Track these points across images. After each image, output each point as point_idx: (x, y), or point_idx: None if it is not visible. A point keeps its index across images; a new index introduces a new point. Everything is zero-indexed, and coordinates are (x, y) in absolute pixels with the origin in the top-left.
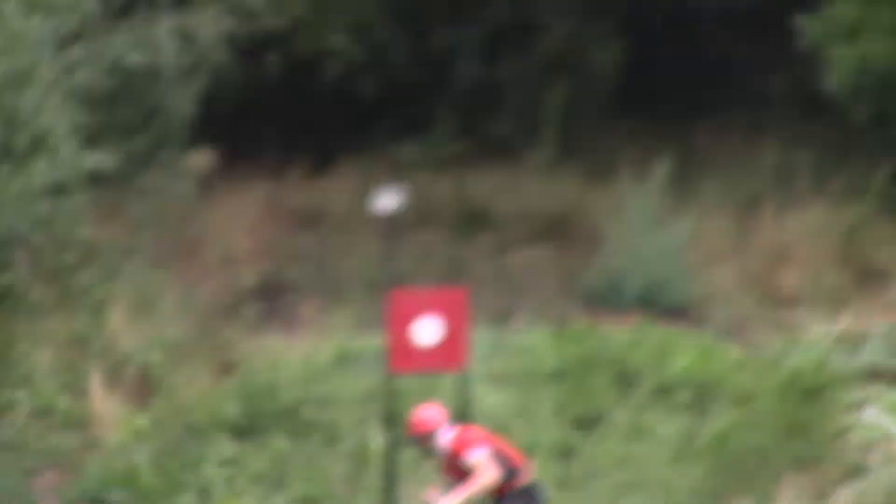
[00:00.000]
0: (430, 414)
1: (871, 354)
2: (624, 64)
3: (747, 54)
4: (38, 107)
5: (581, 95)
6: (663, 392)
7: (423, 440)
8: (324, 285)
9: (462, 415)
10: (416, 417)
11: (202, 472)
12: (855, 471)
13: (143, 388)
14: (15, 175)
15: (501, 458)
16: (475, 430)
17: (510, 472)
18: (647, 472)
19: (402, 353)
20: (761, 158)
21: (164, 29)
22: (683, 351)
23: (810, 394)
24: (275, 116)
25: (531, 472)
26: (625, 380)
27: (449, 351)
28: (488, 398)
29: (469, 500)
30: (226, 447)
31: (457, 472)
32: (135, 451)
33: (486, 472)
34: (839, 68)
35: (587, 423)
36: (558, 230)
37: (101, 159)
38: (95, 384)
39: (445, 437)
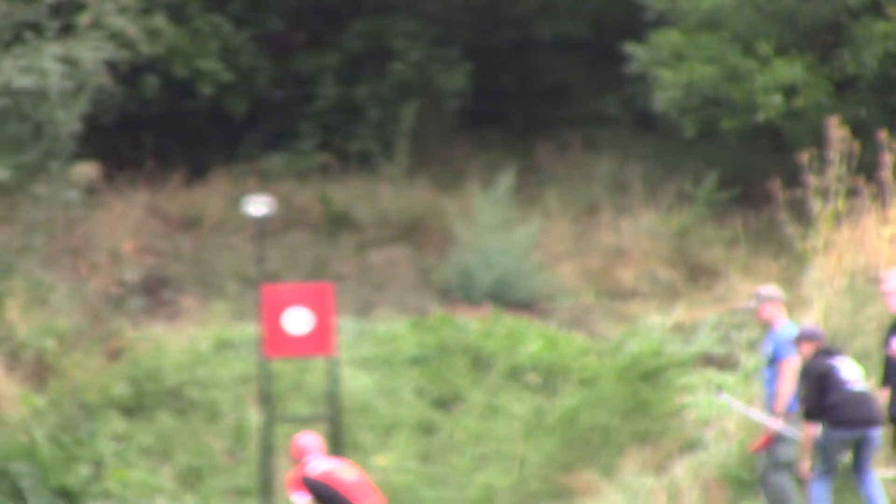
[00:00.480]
0: (305, 442)
1: (701, 342)
2: (470, 86)
3: (583, 77)
4: None
5: (431, 114)
6: (515, 375)
7: (295, 461)
8: (202, 281)
9: (331, 396)
10: (295, 442)
11: (95, 446)
12: (691, 445)
13: (40, 372)
14: None
15: (332, 498)
16: (332, 469)
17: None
18: (502, 447)
19: (275, 341)
20: (597, 170)
21: (49, 55)
22: (532, 338)
23: (648, 376)
24: (153, 131)
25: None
26: (479, 364)
27: (318, 338)
28: (354, 380)
29: None
30: (116, 424)
31: None
32: (33, 428)
33: None
34: (666, 90)
35: (446, 402)
36: (413, 232)
37: None
38: None
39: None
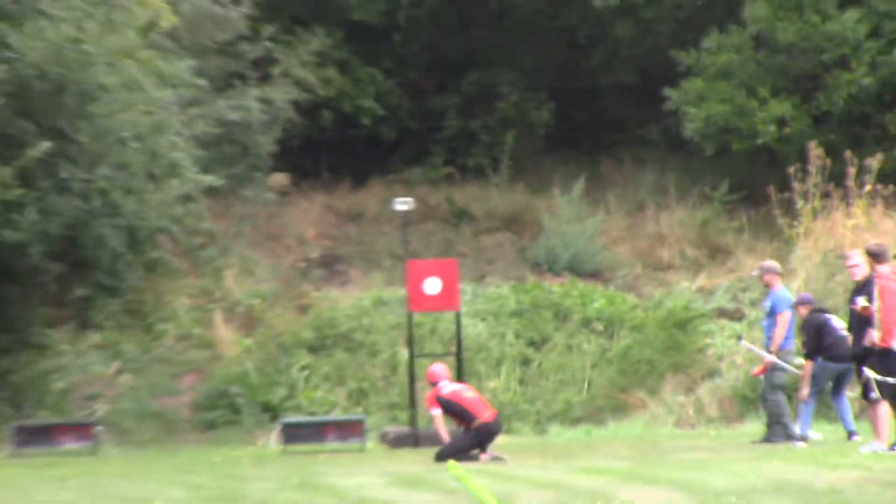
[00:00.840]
0: (437, 370)
1: (717, 300)
2: (553, 119)
3: (633, 112)
4: (171, 146)
5: (525, 139)
6: (585, 324)
7: (431, 384)
8: (364, 258)
9: (456, 339)
10: (430, 370)
11: (289, 374)
12: (710, 373)
13: (249, 322)
14: (158, 190)
15: (456, 410)
16: (458, 390)
17: (467, 417)
18: (576, 374)
19: (416, 300)
20: (643, 179)
21: (251, 96)
22: (597, 298)
23: (680, 324)
24: (328, 151)
25: (486, 416)
26: (560, 316)
27: (446, 298)
28: (472, 328)
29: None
30: (304, 358)
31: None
32: (245, 361)
33: (436, 423)
34: (692, 122)
35: (537, 343)
36: (513, 223)
37: (212, 179)
38: (218, 319)
39: (443, 389)
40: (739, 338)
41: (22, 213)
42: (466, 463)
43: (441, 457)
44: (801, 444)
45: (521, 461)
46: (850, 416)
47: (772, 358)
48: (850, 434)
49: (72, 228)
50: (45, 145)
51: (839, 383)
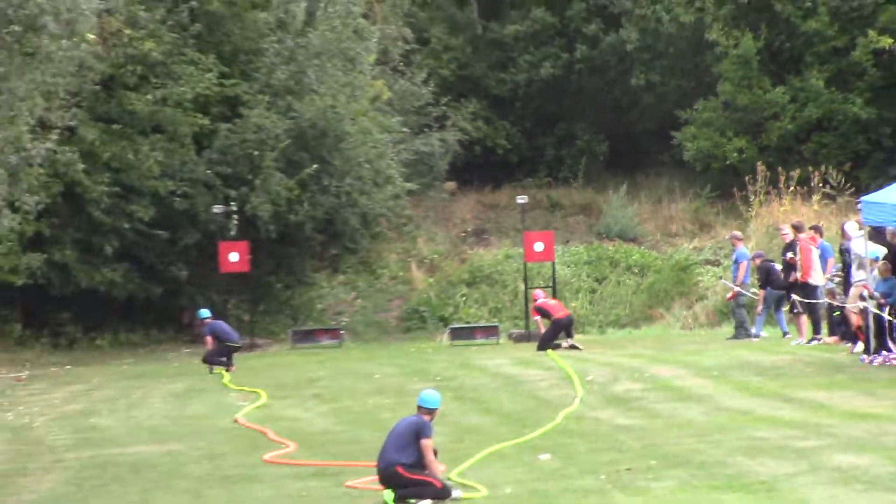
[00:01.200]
0: (537, 292)
1: (705, 254)
2: (607, 150)
3: (656, 146)
4: (387, 166)
5: (592, 162)
6: (629, 269)
7: (535, 301)
8: (499, 231)
9: (552, 277)
10: (535, 294)
11: (454, 299)
12: (701, 297)
13: (431, 268)
14: (380, 192)
15: (545, 313)
16: (547, 302)
17: (548, 315)
18: (624, 298)
19: (532, 254)
20: (661, 184)
21: (434, 138)
22: (636, 254)
23: (683, 269)
24: (478, 169)
25: (559, 314)
26: (614, 264)
27: (547, 253)
28: (562, 271)
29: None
30: (463, 290)
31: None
32: (429, 292)
33: (541, 324)
34: (689, 151)
35: (599, 279)
36: (585, 209)
37: (411, 185)
38: (413, 267)
39: (539, 301)
40: (719, 278)
41: (301, 206)
42: (556, 350)
43: (539, 347)
44: (755, 340)
45: (589, 350)
46: (784, 323)
47: (737, 289)
48: (784, 334)
49: (329, 214)
50: (314, 167)
51: (778, 303)
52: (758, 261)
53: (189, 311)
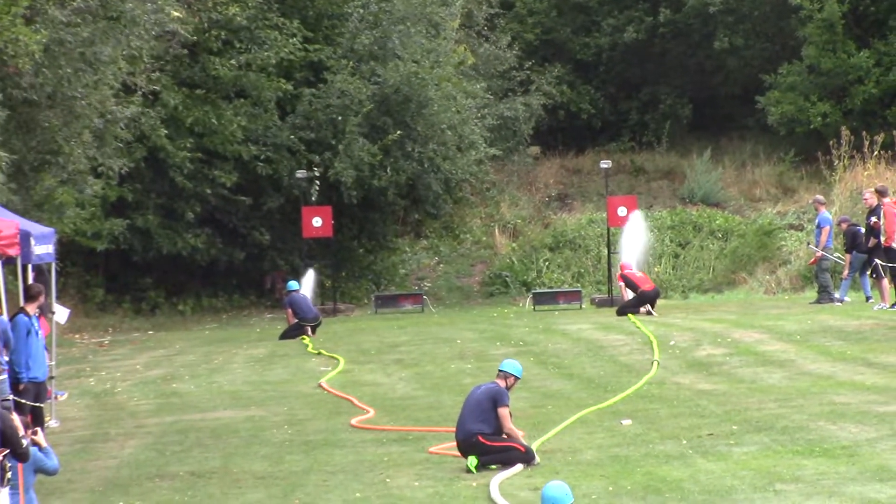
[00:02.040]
0: (625, 261)
1: (789, 219)
2: (692, 113)
3: (741, 110)
4: (471, 132)
5: (676, 126)
6: (713, 233)
7: (621, 268)
8: (581, 196)
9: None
10: (622, 261)
11: (538, 263)
12: (784, 262)
13: (515, 233)
14: (463, 157)
15: (631, 284)
16: (633, 274)
17: (636, 288)
18: (707, 263)
19: (613, 219)
20: (745, 148)
21: (518, 102)
22: (719, 218)
23: (767, 233)
24: (562, 133)
25: (646, 287)
26: (697, 228)
27: (627, 217)
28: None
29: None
30: (546, 254)
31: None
32: (511, 256)
33: (622, 291)
34: (772, 115)
35: (683, 245)
36: (669, 174)
37: (494, 150)
38: (496, 231)
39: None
40: (807, 244)
41: (384, 171)
42: (640, 316)
43: (619, 312)
44: (839, 304)
45: (672, 314)
46: (868, 287)
47: (821, 253)
48: (868, 298)
49: (412, 179)
50: (398, 133)
51: (863, 268)
52: (844, 225)
53: (272, 277)
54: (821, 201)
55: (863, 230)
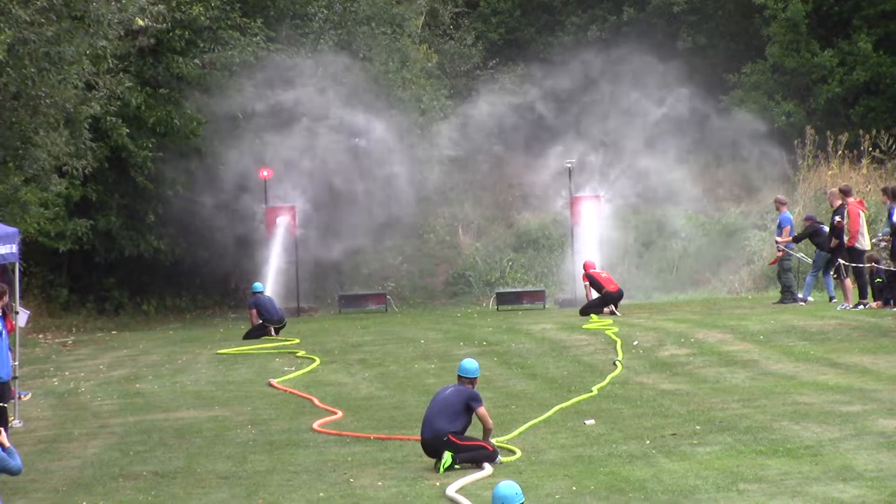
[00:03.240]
0: (588, 261)
1: (752, 219)
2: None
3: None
4: (436, 131)
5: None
6: (675, 233)
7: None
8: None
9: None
10: (585, 260)
11: (501, 264)
12: (749, 261)
13: (478, 233)
14: (427, 157)
15: (596, 283)
16: (598, 273)
17: (601, 288)
18: (670, 263)
19: (578, 216)
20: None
21: (483, 100)
22: (683, 217)
23: (731, 233)
24: (525, 131)
25: (611, 287)
26: (660, 227)
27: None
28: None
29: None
30: (510, 254)
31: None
32: (475, 256)
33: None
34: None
35: (646, 244)
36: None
37: (454, 154)
38: (460, 231)
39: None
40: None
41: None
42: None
43: (583, 311)
44: (802, 304)
45: (634, 314)
46: (831, 287)
47: (783, 251)
48: (831, 298)
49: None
50: (362, 141)
51: (826, 267)
52: (808, 222)
53: (237, 274)
54: (782, 201)
55: (826, 229)
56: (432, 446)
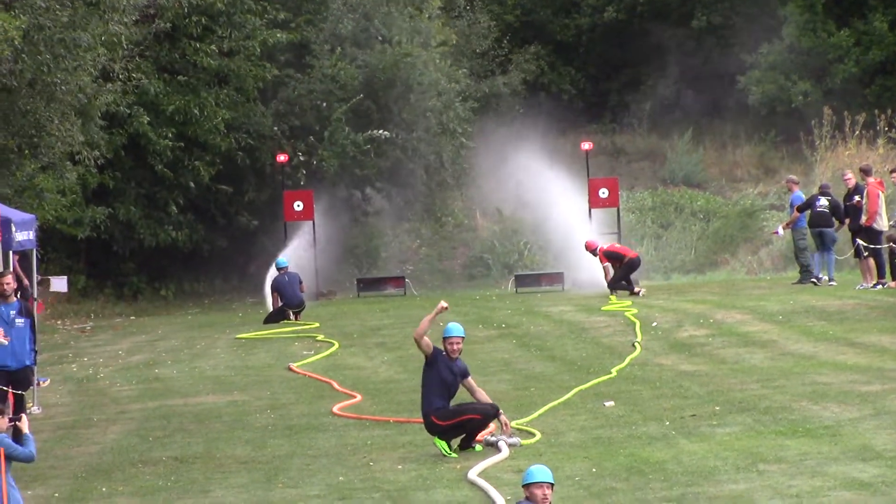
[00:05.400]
0: (589, 240)
1: (770, 199)
2: (675, 94)
3: (723, 90)
4: (454, 115)
5: (658, 106)
6: (693, 214)
7: (590, 251)
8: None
9: (618, 223)
10: (586, 241)
11: (519, 246)
12: (766, 242)
13: (496, 216)
14: (445, 142)
15: (616, 255)
16: (613, 245)
17: (619, 258)
18: (688, 244)
19: (594, 201)
20: (725, 128)
21: (500, 83)
22: (700, 198)
23: (749, 214)
24: (541, 114)
25: (633, 253)
26: (678, 209)
27: (612, 199)
28: (626, 217)
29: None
30: (528, 236)
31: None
32: (493, 239)
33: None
34: (754, 94)
35: (665, 226)
36: (650, 155)
37: (470, 142)
38: (478, 214)
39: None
40: (778, 227)
41: (369, 156)
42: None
43: (612, 286)
44: (819, 284)
45: (654, 296)
46: (818, 267)
47: (784, 228)
48: (818, 279)
49: (395, 165)
50: (385, 134)
51: (822, 245)
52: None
53: (255, 259)
54: (793, 181)
55: (823, 203)
56: (427, 429)
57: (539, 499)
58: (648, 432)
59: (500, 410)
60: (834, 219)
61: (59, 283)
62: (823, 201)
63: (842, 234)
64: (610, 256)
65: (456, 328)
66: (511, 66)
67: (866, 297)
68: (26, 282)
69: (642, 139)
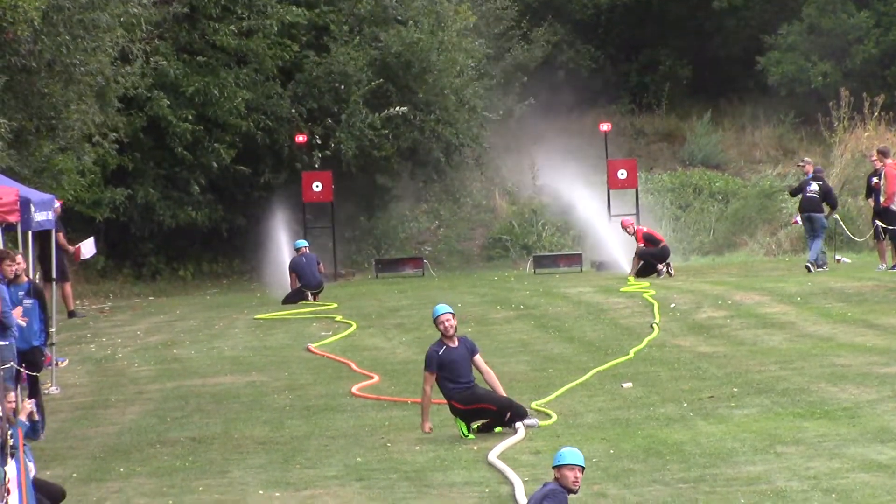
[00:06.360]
0: (629, 221)
1: (789, 180)
2: (692, 75)
3: (739, 70)
4: (473, 93)
5: (676, 87)
6: (712, 195)
7: (626, 230)
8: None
9: (636, 204)
10: (623, 220)
11: (537, 226)
12: (785, 224)
13: (514, 197)
14: (464, 122)
15: (654, 239)
16: (644, 230)
17: (656, 242)
18: (706, 225)
19: (612, 181)
20: (744, 110)
21: (520, 54)
22: (719, 179)
23: (767, 195)
24: (561, 94)
25: (664, 241)
26: (696, 191)
27: (630, 181)
28: (644, 199)
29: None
30: (546, 217)
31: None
32: (512, 220)
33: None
34: (773, 76)
35: (683, 207)
36: (669, 137)
37: (493, 116)
38: (496, 195)
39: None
40: (796, 213)
41: (386, 140)
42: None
43: (641, 273)
44: (820, 269)
45: (673, 277)
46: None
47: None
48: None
49: (413, 145)
50: (402, 110)
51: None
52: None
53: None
54: (807, 162)
55: (814, 188)
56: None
57: (570, 481)
58: (666, 414)
59: (519, 417)
60: (825, 204)
61: (88, 247)
62: (814, 186)
63: (865, 213)
64: (648, 239)
65: (441, 307)
66: (530, 44)
67: (885, 279)
68: (71, 248)
69: (661, 120)
